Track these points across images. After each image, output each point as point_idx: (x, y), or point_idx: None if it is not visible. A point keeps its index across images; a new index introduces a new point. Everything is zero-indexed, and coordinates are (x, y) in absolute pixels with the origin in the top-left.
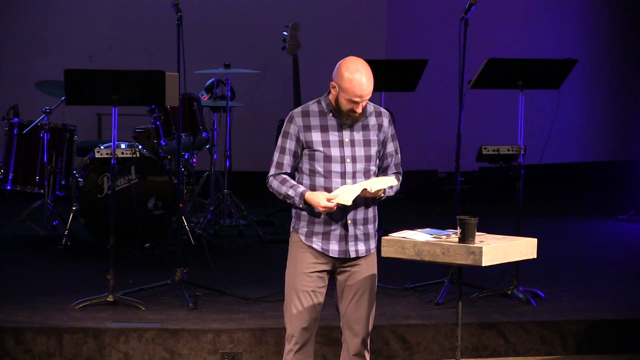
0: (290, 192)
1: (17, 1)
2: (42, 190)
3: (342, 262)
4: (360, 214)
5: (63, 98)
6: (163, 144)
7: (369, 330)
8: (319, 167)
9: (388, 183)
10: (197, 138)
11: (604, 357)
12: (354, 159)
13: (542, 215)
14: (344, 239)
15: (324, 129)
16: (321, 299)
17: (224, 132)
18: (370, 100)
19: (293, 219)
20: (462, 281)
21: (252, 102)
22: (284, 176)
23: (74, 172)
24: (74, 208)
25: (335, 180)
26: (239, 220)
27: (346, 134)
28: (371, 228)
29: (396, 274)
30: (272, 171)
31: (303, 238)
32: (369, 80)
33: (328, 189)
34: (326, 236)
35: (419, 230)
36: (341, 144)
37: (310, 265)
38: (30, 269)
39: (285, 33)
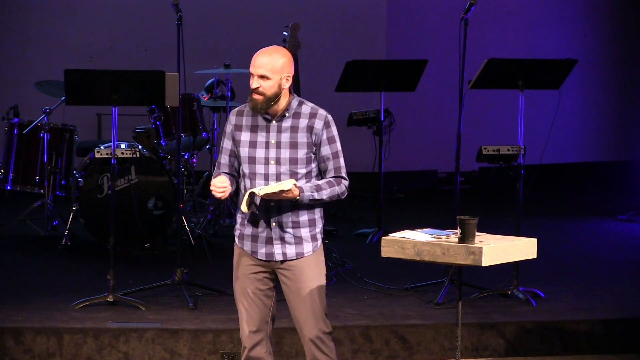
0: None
1: (17, 1)
2: (42, 190)
3: (275, 264)
4: (287, 216)
5: (63, 98)
6: (163, 144)
7: (317, 334)
8: (246, 169)
9: (278, 188)
10: (197, 138)
11: (604, 357)
12: (278, 161)
13: (542, 215)
14: (270, 241)
15: (254, 129)
16: (266, 300)
17: None
18: (370, 99)
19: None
20: (462, 281)
21: None
22: (220, 174)
23: (74, 172)
24: (74, 208)
25: (259, 182)
26: None
27: (272, 135)
28: (305, 232)
29: (396, 274)
30: (214, 171)
31: (237, 240)
32: (267, 54)
33: None
34: (255, 239)
35: (419, 230)
36: (267, 145)
37: (247, 267)
38: (30, 269)
39: (285, 33)
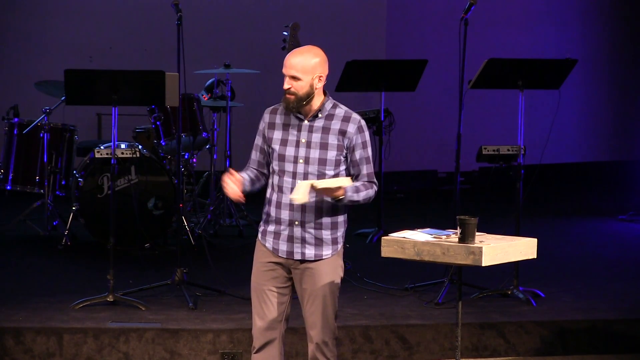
0: None
1: (17, 1)
2: (42, 190)
3: (293, 264)
4: (310, 217)
5: (63, 98)
6: (163, 144)
7: (325, 338)
8: (275, 166)
9: (337, 184)
10: (197, 138)
11: (604, 357)
12: (307, 160)
13: (542, 215)
14: (292, 240)
15: (286, 127)
16: (280, 299)
17: (224, 132)
18: (370, 99)
19: None
20: (462, 281)
21: (252, 102)
22: (248, 169)
23: (74, 172)
24: (74, 208)
25: (287, 179)
26: (239, 220)
27: (303, 135)
28: (326, 234)
29: (396, 274)
30: (245, 166)
31: (259, 236)
32: (299, 54)
33: (280, 188)
34: (277, 236)
35: (419, 230)
36: (297, 144)
37: (266, 264)
38: (30, 269)
39: (285, 33)
